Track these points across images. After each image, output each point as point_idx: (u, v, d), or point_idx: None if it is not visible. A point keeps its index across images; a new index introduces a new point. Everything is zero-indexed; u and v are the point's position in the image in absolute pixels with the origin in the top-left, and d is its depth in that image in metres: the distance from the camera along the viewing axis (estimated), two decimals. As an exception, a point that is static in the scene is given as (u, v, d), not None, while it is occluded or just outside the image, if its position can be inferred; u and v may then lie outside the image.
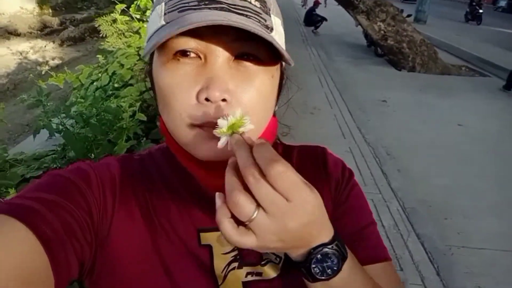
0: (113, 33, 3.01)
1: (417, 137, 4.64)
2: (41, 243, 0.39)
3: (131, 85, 2.07)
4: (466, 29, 12.07)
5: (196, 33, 0.42)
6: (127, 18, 2.50)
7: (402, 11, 9.20)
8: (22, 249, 0.37)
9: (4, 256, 0.36)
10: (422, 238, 2.82)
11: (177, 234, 0.50)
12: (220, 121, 0.41)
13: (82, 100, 1.75)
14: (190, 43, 0.43)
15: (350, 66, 8.21)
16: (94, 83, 2.20)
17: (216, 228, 0.49)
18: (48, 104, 1.35)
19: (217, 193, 0.38)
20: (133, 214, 0.50)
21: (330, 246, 0.40)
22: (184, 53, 0.44)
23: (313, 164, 0.61)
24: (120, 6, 2.39)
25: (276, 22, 0.48)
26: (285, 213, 0.35)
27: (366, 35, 9.43)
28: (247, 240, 0.37)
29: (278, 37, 0.47)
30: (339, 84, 6.64)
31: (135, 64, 2.12)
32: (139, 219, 0.50)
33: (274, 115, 0.54)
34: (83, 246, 0.44)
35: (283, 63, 0.52)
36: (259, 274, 0.52)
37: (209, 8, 0.43)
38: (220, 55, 0.44)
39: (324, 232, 0.41)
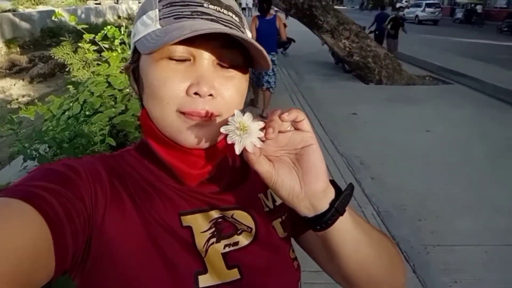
0: (79, 66, 3.05)
1: (388, 145, 4.80)
2: (47, 224, 0.42)
3: (101, 112, 2.11)
4: (426, 41, 12.67)
5: (190, 38, 0.48)
6: (94, 48, 2.55)
7: (364, 28, 9.62)
8: (31, 227, 0.41)
9: (12, 233, 0.39)
10: (397, 239, 2.91)
11: (163, 219, 0.55)
12: (233, 121, 0.47)
13: (55, 129, 1.78)
14: (182, 46, 0.51)
15: (320, 83, 8.45)
16: (66, 113, 2.22)
17: (193, 211, 0.58)
18: (21, 131, 1.38)
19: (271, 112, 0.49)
20: (125, 204, 0.54)
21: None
22: (175, 54, 0.51)
23: None
24: (88, 36, 2.46)
25: (249, 35, 0.57)
26: None
27: (333, 53, 9.76)
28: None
29: None
30: (311, 101, 6.84)
31: (104, 91, 2.17)
32: (130, 209, 0.54)
33: None
34: (78, 232, 0.47)
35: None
36: (236, 243, 0.58)
37: (201, 18, 0.51)
38: (207, 58, 0.52)
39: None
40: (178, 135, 0.53)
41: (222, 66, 0.54)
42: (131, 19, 19.78)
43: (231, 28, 0.52)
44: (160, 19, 0.52)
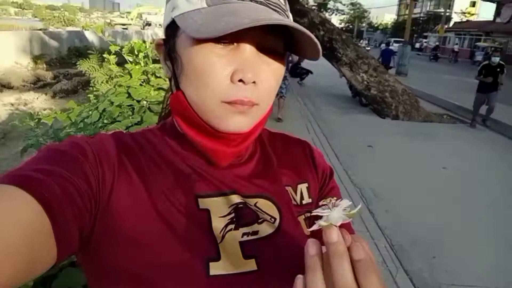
0: (103, 80, 3.13)
1: (403, 179, 4.71)
2: (42, 206, 0.41)
3: (119, 121, 2.14)
4: (444, 81, 12.70)
5: None
6: (115, 60, 2.61)
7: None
8: (24, 213, 0.39)
9: (5, 221, 0.38)
10: (410, 275, 2.79)
11: (177, 199, 0.53)
12: (326, 212, 0.39)
13: (72, 129, 1.79)
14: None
15: (336, 115, 8.46)
16: (85, 120, 2.25)
17: (212, 194, 0.55)
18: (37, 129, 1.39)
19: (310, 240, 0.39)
20: (133, 181, 0.52)
21: None
22: (219, 38, 0.48)
23: (298, 150, 0.68)
24: (114, 48, 2.52)
25: (291, 17, 0.56)
26: None
27: (351, 86, 9.81)
28: None
29: None
30: (326, 131, 6.82)
31: (123, 101, 2.20)
32: (139, 186, 0.52)
33: None
34: (83, 213, 0.45)
35: None
36: (255, 233, 0.55)
37: (251, 1, 0.50)
38: (251, 43, 0.51)
39: None
40: (218, 121, 0.52)
41: (263, 52, 0.52)
42: (155, 43, 20.49)
43: (279, 12, 0.52)
44: None
